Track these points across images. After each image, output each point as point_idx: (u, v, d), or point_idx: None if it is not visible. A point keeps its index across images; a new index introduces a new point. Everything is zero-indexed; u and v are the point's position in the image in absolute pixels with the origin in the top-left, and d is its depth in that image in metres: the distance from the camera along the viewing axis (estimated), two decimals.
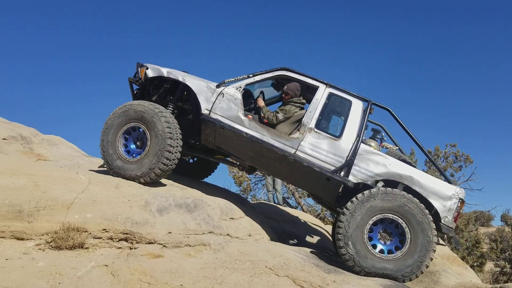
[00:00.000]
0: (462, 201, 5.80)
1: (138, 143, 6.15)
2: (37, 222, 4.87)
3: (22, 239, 4.72)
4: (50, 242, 4.74)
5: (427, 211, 5.55)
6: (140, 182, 6.01)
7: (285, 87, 6.46)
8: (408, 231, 5.48)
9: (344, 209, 5.61)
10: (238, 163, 6.62)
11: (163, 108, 6.14)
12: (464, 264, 8.53)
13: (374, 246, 5.60)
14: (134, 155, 6.11)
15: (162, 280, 4.34)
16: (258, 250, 5.22)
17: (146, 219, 5.37)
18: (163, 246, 5.07)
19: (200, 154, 6.98)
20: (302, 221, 8.68)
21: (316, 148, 5.93)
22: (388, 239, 5.64)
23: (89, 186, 5.66)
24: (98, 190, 5.62)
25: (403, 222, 5.50)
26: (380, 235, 5.65)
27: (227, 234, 5.78)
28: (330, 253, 6.89)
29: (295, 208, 13.41)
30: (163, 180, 6.55)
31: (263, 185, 16.29)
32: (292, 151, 5.96)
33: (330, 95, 6.13)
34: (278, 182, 10.83)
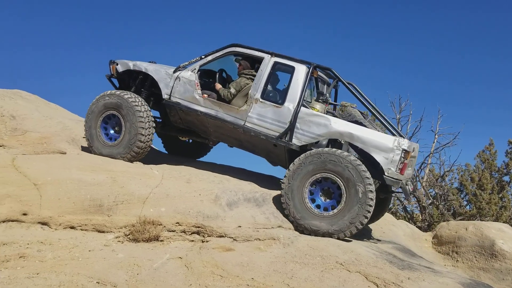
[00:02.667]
0: (406, 152, 5.66)
1: (116, 128, 6.65)
2: (116, 216, 5.15)
3: (103, 231, 5.01)
4: (128, 235, 5.00)
5: (359, 164, 5.51)
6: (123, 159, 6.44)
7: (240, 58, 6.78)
8: (344, 189, 5.52)
9: (287, 170, 5.84)
10: (207, 139, 7.09)
11: (135, 95, 6.59)
12: None
13: (314, 202, 5.69)
14: (113, 139, 6.62)
15: (233, 273, 4.42)
16: (328, 245, 5.15)
17: (217, 213, 5.50)
18: (234, 239, 5.16)
19: (184, 134, 7.48)
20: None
21: (262, 117, 6.20)
22: (328, 198, 5.70)
23: (162, 181, 5.90)
24: (171, 185, 5.84)
25: (339, 180, 5.55)
26: (322, 193, 5.74)
27: None
28: (403, 249, 6.65)
29: None
30: (231, 175, 6.68)
31: None
32: (242, 123, 6.29)
33: (275, 64, 6.29)
34: None
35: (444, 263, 7.64)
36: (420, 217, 13.19)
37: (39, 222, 4.83)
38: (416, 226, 10.79)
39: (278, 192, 6.38)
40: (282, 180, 5.85)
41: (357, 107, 6.58)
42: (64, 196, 5.06)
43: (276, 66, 6.28)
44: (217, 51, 6.61)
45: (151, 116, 6.57)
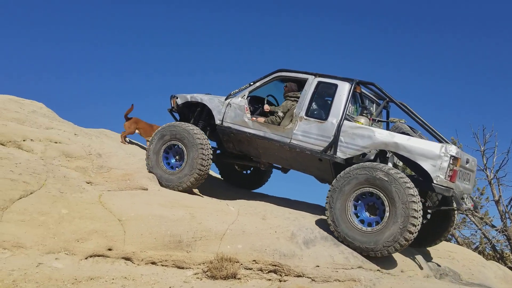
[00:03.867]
0: (454, 158, 5.50)
1: (177, 157, 7.05)
2: (194, 252, 5.22)
3: (182, 268, 5.08)
4: (206, 272, 5.02)
5: (400, 177, 5.38)
6: (179, 190, 6.75)
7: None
8: (375, 191, 5.48)
9: (331, 185, 5.87)
10: (259, 162, 7.28)
11: (194, 126, 7.03)
12: None
13: (370, 225, 5.56)
14: (174, 167, 6.98)
15: None
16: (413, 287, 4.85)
17: (293, 251, 5.39)
18: (312, 280, 5.01)
19: (238, 160, 7.80)
20: (459, 255, 7.88)
21: (307, 134, 6.38)
22: (373, 209, 5.59)
23: (238, 218, 5.93)
24: (247, 221, 5.84)
25: (365, 188, 5.55)
26: (366, 210, 5.65)
27: (378, 270, 5.48)
28: None
29: (448, 241, 12.31)
30: (307, 211, 6.58)
31: None
32: (288, 140, 6.50)
33: (319, 83, 6.52)
34: None
35: None
36: (511, 256, 12.12)
37: (122, 258, 5.01)
38: (507, 267, 9.92)
39: None
40: (331, 229, 5.76)
41: (406, 123, 6.59)
42: (146, 232, 5.23)
43: (319, 86, 6.52)
44: (264, 77, 6.97)
45: (209, 144, 6.93)
